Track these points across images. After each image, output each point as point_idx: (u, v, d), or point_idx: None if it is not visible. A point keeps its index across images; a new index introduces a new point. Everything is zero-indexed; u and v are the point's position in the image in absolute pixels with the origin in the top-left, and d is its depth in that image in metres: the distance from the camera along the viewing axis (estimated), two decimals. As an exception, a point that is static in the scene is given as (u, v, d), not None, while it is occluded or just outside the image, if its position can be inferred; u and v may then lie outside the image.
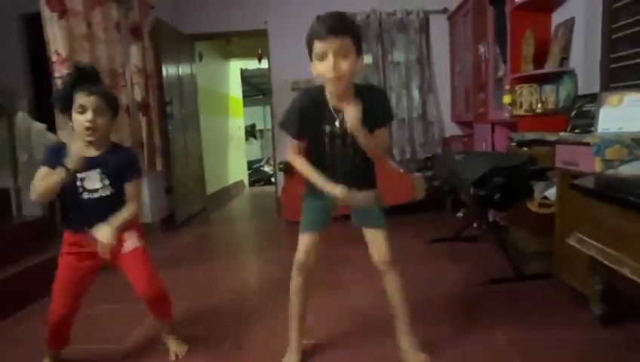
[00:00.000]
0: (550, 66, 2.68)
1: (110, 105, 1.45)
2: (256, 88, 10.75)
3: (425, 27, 4.43)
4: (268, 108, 5.05)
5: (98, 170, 1.44)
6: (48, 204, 2.93)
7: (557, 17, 2.78)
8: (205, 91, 5.15)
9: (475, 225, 3.17)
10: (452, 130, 4.57)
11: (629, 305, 1.37)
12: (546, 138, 2.09)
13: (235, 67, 6.98)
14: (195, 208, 4.49)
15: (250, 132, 8.64)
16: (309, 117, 1.29)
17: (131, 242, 1.50)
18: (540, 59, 2.75)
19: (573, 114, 2.30)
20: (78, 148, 1.38)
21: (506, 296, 2.01)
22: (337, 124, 1.28)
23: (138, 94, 3.38)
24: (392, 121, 1.37)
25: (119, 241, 1.46)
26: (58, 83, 2.45)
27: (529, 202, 2.23)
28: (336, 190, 1.25)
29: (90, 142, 1.44)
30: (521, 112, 2.77)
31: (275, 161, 4.79)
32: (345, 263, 2.58)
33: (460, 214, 3.79)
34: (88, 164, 1.41)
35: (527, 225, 2.47)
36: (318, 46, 1.15)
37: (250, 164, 8.46)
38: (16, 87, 3.61)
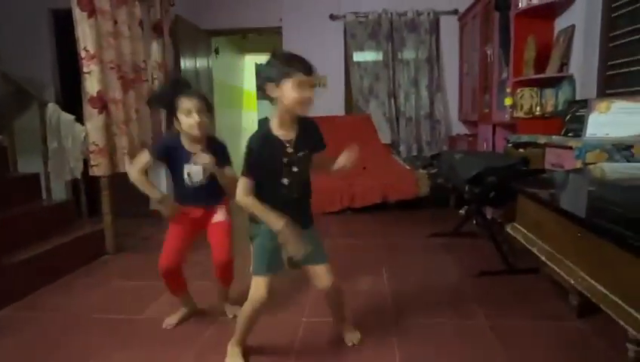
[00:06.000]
0: (550, 71, 2.79)
1: (208, 106, 1.73)
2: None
3: (435, 27, 4.53)
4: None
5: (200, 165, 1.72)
6: (72, 189, 3.15)
7: (559, 24, 2.88)
8: (221, 85, 5.34)
9: (474, 221, 3.30)
10: (459, 128, 4.68)
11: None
12: (538, 140, 2.21)
13: (250, 61, 7.15)
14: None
15: (263, 125, 8.85)
16: (265, 155, 1.39)
17: (221, 215, 1.83)
18: (541, 64, 2.86)
19: (567, 118, 2.41)
20: (173, 208, 1.73)
21: (494, 286, 2.15)
22: (289, 150, 1.41)
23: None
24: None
25: (211, 212, 1.81)
26: (87, 77, 2.64)
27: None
28: (279, 224, 1.34)
29: (195, 139, 1.71)
30: (521, 115, 2.89)
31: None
32: (349, 251, 2.75)
33: (462, 211, 3.91)
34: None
35: (520, 223, 2.59)
36: (305, 78, 1.32)
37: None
38: (44, 78, 3.86)
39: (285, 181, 1.42)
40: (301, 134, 1.43)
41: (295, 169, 1.42)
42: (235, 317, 1.83)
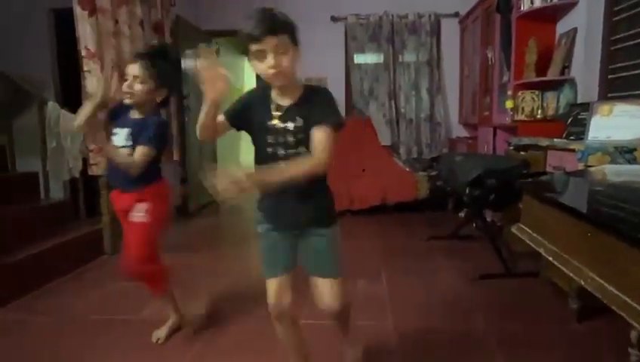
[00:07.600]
0: (552, 74, 2.78)
1: (152, 76, 1.56)
2: (270, 83, 10.91)
3: (436, 30, 4.53)
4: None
5: (127, 130, 1.57)
6: (70, 189, 3.13)
7: (561, 27, 2.87)
8: (221, 86, 5.32)
9: (474, 224, 3.29)
10: (459, 131, 4.67)
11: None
12: (539, 143, 2.20)
13: (251, 63, 7.15)
14: (206, 199, 4.67)
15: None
16: (253, 110, 1.23)
17: (139, 213, 1.59)
18: (543, 66, 2.85)
19: (569, 121, 2.40)
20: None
21: (493, 290, 2.14)
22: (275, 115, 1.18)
23: (158, 88, 3.56)
24: (340, 127, 1.15)
25: (132, 204, 1.60)
26: (87, 76, 2.63)
27: (521, 203, 2.35)
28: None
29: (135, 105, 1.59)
30: (522, 117, 2.88)
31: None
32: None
33: (461, 214, 3.89)
34: (125, 123, 1.59)
35: (520, 226, 2.58)
36: (255, 47, 1.12)
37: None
38: (44, 77, 3.84)
39: (269, 150, 1.18)
40: (299, 103, 1.17)
41: (281, 139, 1.16)
42: (158, 341, 1.69)
